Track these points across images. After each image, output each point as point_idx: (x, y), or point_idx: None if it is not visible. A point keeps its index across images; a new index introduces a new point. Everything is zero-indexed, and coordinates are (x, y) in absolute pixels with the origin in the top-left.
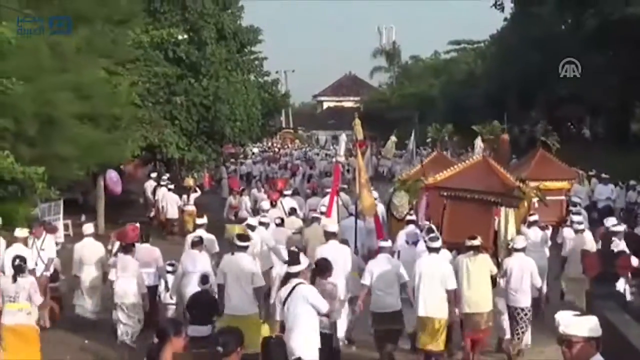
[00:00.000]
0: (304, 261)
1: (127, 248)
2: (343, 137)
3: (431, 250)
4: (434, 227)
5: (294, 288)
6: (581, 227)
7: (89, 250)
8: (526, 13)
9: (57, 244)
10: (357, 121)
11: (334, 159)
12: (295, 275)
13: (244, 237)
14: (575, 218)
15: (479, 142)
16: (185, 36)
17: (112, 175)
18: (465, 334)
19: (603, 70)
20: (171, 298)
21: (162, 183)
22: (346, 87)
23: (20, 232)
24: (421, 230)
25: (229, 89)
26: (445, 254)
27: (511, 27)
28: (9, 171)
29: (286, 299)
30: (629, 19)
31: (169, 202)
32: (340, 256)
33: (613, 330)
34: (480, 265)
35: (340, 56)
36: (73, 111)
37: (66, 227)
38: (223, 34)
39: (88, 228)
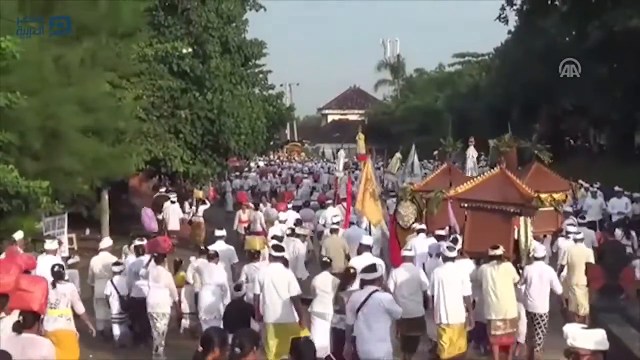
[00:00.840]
0: (380, 269)
1: (159, 259)
2: (342, 153)
3: (447, 259)
4: (458, 237)
5: (370, 295)
6: (579, 236)
7: (104, 263)
8: (530, 26)
9: (65, 258)
10: (361, 135)
11: (336, 173)
12: (371, 282)
13: (279, 248)
14: (571, 229)
15: (470, 152)
16: (190, 50)
17: (148, 211)
18: (491, 340)
19: (607, 82)
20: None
21: (171, 198)
22: (351, 100)
23: (51, 244)
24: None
25: (234, 102)
26: (468, 263)
27: (515, 40)
28: (14, 185)
29: (361, 305)
30: (632, 31)
31: (171, 215)
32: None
33: (618, 343)
34: (504, 274)
35: (345, 69)
36: (77, 125)
37: (70, 240)
38: (227, 48)
39: (106, 242)
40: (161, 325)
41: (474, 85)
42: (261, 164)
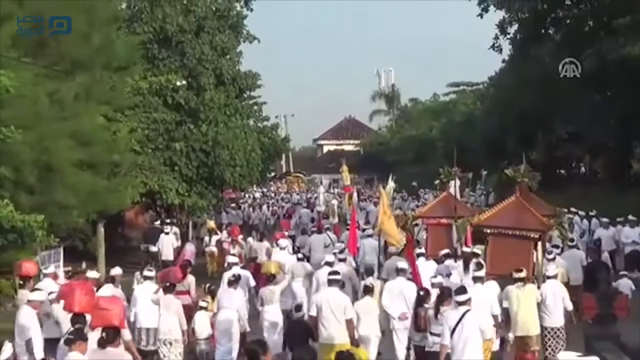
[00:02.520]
0: (470, 291)
1: (169, 288)
2: (321, 189)
3: (476, 279)
4: (482, 262)
5: (464, 315)
6: (551, 256)
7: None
8: (524, 55)
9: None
10: (345, 167)
11: (317, 207)
12: (464, 303)
13: (336, 273)
14: (553, 250)
15: (452, 182)
16: (184, 82)
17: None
18: (517, 355)
19: (602, 110)
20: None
21: (165, 230)
22: (346, 130)
23: (93, 273)
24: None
25: (228, 134)
26: (494, 285)
27: (509, 68)
28: (9, 219)
29: (456, 324)
30: (626, 59)
31: (165, 245)
32: (408, 291)
33: None
34: (529, 294)
35: (340, 100)
36: (72, 158)
37: (67, 274)
38: (222, 80)
39: (115, 270)
40: (175, 350)
41: (469, 114)
42: (257, 195)
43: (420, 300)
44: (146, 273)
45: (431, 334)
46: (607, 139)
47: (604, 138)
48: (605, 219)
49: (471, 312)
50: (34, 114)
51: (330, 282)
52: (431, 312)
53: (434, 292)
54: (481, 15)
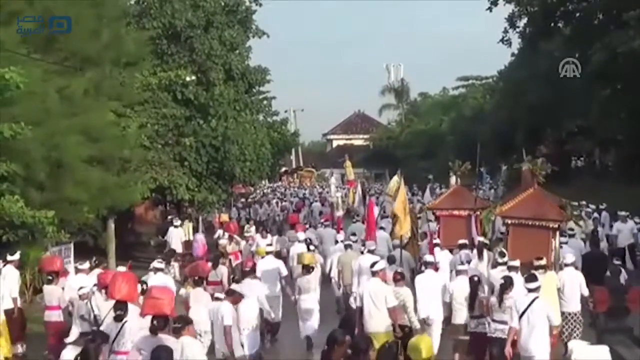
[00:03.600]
0: (540, 279)
1: (199, 282)
2: (333, 181)
3: (511, 268)
4: (504, 250)
5: (533, 301)
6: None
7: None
8: (533, 48)
9: None
10: (348, 163)
11: (329, 198)
12: (534, 290)
13: (375, 264)
14: (562, 239)
15: (452, 181)
16: (193, 77)
17: (198, 237)
18: None
19: (612, 104)
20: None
21: (175, 223)
22: (356, 125)
23: (159, 264)
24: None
25: (238, 129)
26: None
27: (519, 62)
28: (19, 215)
29: (525, 310)
30: (636, 52)
31: (174, 238)
32: (436, 283)
33: None
34: (549, 282)
35: (349, 94)
36: (82, 154)
37: (77, 270)
38: (231, 75)
39: (157, 264)
40: (205, 341)
41: (478, 108)
42: (267, 190)
43: (474, 287)
44: (156, 265)
45: (494, 320)
46: (617, 132)
47: (614, 132)
48: (623, 213)
49: (540, 299)
50: (44, 110)
51: (374, 273)
52: (493, 300)
53: (459, 279)
54: (490, 9)
